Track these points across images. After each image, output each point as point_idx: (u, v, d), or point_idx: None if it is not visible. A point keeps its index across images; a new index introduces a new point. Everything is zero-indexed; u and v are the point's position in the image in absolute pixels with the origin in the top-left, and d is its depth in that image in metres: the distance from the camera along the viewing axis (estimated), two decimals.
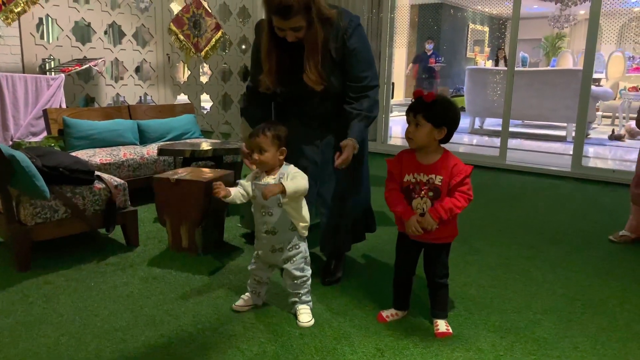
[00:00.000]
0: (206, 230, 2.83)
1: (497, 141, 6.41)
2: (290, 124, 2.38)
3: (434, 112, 1.89)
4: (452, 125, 1.92)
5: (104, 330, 2.00)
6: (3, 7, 4.17)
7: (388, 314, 2.11)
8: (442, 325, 2.01)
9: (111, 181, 2.85)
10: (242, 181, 2.08)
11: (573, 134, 7.03)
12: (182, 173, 2.87)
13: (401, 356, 1.86)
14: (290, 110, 2.41)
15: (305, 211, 2.07)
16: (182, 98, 6.59)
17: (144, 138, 4.28)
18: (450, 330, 2.01)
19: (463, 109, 9.23)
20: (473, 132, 8.39)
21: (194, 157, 3.57)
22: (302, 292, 2.10)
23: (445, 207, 1.87)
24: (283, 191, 1.89)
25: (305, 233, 2.09)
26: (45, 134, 3.99)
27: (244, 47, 6.77)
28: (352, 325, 2.06)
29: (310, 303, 2.13)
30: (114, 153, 3.74)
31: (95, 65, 4.61)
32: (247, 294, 2.20)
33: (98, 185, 2.78)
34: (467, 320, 2.13)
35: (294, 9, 1.97)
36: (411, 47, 14.46)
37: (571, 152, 5.28)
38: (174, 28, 5.79)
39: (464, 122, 8.49)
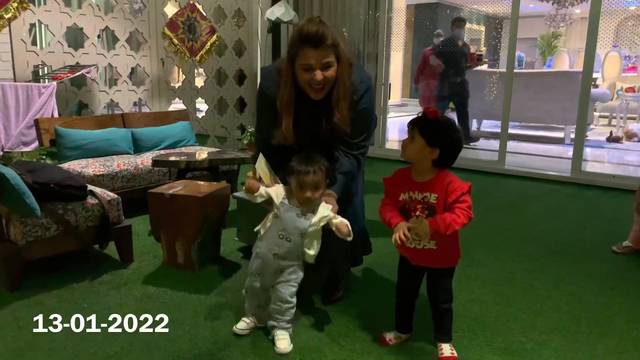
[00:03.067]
0: (202, 246, 2.76)
1: (494, 143, 6.37)
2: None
3: (431, 130, 1.83)
4: (446, 148, 1.84)
5: (98, 357, 1.93)
6: None
7: (391, 336, 2.05)
8: (446, 349, 1.95)
9: (104, 196, 2.78)
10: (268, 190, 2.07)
11: (571, 136, 7.01)
12: (177, 187, 2.80)
13: None
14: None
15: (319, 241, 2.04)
16: (178, 102, 6.50)
17: (138, 146, 4.21)
18: (455, 354, 1.95)
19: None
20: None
21: (189, 168, 3.50)
22: (285, 318, 2.03)
23: (445, 220, 1.79)
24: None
25: (312, 260, 2.03)
26: (37, 143, 3.91)
27: (239, 50, 6.68)
28: (353, 350, 2.00)
29: (291, 329, 2.05)
30: (108, 164, 3.66)
31: (87, 73, 4.52)
32: (248, 317, 2.13)
33: (91, 200, 2.71)
34: (471, 342, 2.07)
35: (329, 37, 1.98)
36: (407, 47, 14.41)
37: (569, 155, 5.23)
38: (168, 32, 5.71)
39: None
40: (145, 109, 6.63)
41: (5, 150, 3.95)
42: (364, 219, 2.54)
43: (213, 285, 2.58)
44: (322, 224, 1.99)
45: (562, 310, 2.36)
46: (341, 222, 1.97)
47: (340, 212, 2.22)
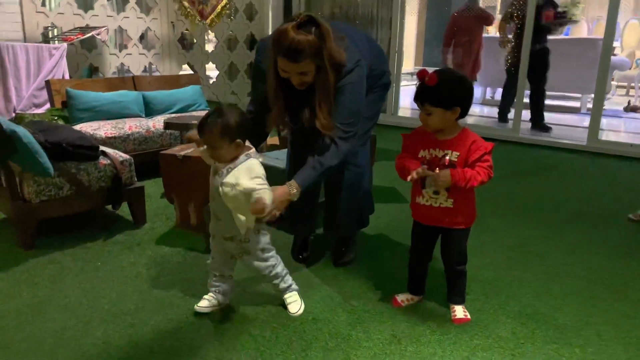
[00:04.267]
0: None
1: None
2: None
3: (441, 95, 1.75)
4: (464, 102, 1.79)
5: (112, 313, 1.95)
6: None
7: (403, 298, 2.05)
8: (459, 311, 1.95)
9: (116, 157, 2.77)
10: None
11: (587, 105, 6.87)
12: (189, 149, 2.78)
13: (418, 344, 1.80)
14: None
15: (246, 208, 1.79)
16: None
17: (149, 110, 4.17)
18: (468, 316, 1.94)
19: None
20: (485, 102, 8.21)
21: None
22: (276, 281, 1.97)
23: (465, 173, 1.74)
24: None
25: (252, 225, 1.85)
26: (48, 105, 3.89)
27: (250, 14, 6.57)
28: (366, 310, 2.00)
29: (294, 287, 2.01)
30: (119, 126, 3.65)
31: (98, 35, 4.46)
32: (210, 294, 1.98)
33: (103, 161, 2.70)
34: (485, 305, 2.06)
35: (305, 52, 1.81)
36: (421, 13, 14.08)
37: (585, 124, 5.13)
38: None
39: (476, 92, 8.31)
40: (156, 75, 6.57)
41: (17, 111, 3.94)
42: (371, 183, 2.50)
43: None
44: (238, 189, 1.75)
45: (577, 276, 2.34)
46: (257, 200, 1.72)
47: (345, 172, 2.19)
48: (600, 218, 3.11)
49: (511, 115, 5.81)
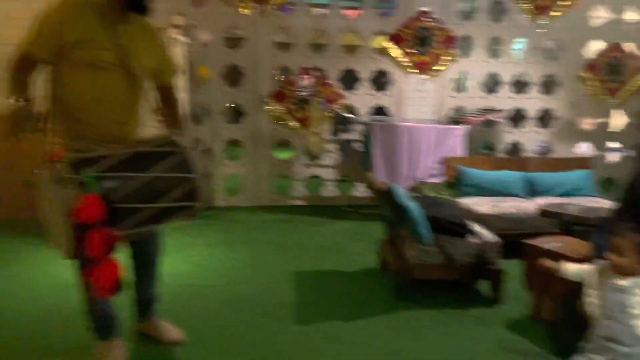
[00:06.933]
0: (569, 308, 2.64)
1: None
2: None
3: None
4: None
5: None
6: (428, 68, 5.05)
7: None
8: None
9: (485, 237, 3.03)
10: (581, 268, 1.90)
11: None
12: (555, 243, 2.78)
13: None
14: None
15: None
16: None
17: (531, 190, 4.29)
18: None
19: None
20: None
21: (576, 222, 3.36)
22: None
23: None
24: None
25: None
26: (441, 177, 4.54)
27: None
28: None
29: None
30: (497, 204, 3.91)
31: (494, 118, 4.93)
32: None
33: (471, 239, 3.01)
34: None
35: None
36: None
37: None
38: (586, 74, 5.55)
39: None
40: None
41: (418, 179, 4.74)
42: None
43: None
44: None
45: None
46: None
47: None
48: None
49: None
